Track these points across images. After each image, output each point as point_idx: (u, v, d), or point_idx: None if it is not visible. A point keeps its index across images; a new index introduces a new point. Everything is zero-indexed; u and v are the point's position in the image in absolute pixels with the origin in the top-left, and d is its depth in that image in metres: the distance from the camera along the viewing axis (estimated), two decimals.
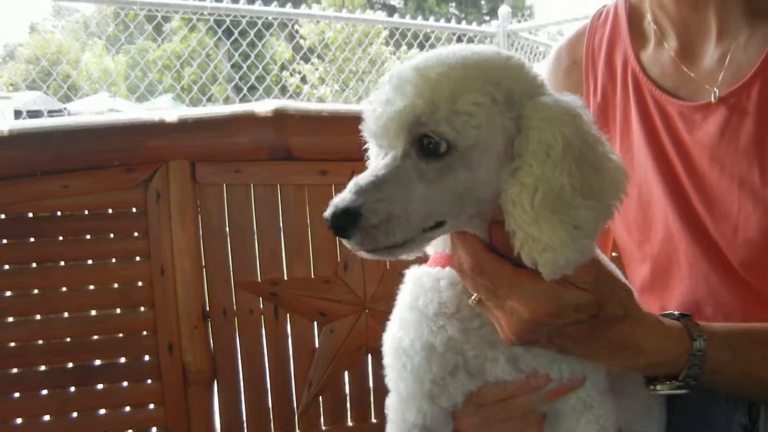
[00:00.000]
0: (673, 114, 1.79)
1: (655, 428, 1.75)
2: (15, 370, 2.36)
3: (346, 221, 1.21)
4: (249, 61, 7.42)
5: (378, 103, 1.28)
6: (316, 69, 11.78)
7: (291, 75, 11.11)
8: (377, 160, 1.30)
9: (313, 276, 2.50)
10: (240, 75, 7.39)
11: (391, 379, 1.54)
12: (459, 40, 8.28)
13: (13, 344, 2.35)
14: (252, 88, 7.89)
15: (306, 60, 11.27)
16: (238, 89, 7.82)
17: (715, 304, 1.75)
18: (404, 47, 10.51)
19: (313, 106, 2.58)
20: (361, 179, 1.25)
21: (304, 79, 11.21)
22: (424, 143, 1.24)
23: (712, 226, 1.73)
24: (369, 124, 1.31)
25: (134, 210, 2.41)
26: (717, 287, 1.75)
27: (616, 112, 1.91)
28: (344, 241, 1.25)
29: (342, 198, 1.23)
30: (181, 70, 7.95)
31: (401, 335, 1.49)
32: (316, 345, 2.54)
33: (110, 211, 2.40)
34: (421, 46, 8.51)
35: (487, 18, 34.40)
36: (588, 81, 2.00)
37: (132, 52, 10.04)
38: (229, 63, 7.83)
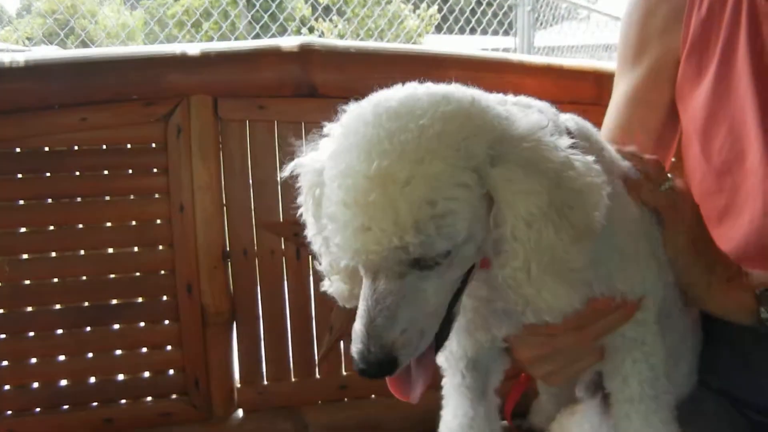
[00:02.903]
0: None
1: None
2: (30, 309, 2.31)
3: (387, 370, 1.14)
4: (269, 13, 7.32)
5: (351, 233, 1.11)
6: (335, 26, 11.69)
7: (310, 31, 11.03)
8: (368, 280, 1.17)
9: None
10: (260, 26, 7.31)
11: None
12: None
13: (27, 282, 2.30)
14: None
15: (326, 15, 11.19)
16: None
17: None
18: (424, 4, 10.41)
19: (340, 42, 2.51)
20: (374, 317, 1.14)
21: (322, 36, 11.13)
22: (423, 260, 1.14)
23: None
24: (347, 254, 1.14)
25: (154, 145, 2.34)
26: None
27: (721, 33, 1.77)
28: None
29: (367, 348, 1.13)
30: (201, 22, 7.88)
31: None
32: None
33: (129, 146, 2.33)
34: (444, 1, 8.36)
35: None
36: None
37: (149, 5, 9.97)
38: (249, 15, 7.74)
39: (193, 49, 2.35)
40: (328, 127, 1.28)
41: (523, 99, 1.36)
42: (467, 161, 1.12)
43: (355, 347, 1.14)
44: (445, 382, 1.59)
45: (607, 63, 2.63)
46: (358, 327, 1.15)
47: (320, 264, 1.41)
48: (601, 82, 2.49)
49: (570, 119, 1.42)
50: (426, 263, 1.13)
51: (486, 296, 1.37)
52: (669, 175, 1.48)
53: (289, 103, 2.40)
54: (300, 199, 1.36)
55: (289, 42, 2.39)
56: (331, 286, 1.42)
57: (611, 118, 1.95)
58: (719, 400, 1.78)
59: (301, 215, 1.39)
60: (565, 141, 1.24)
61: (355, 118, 1.17)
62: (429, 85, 1.22)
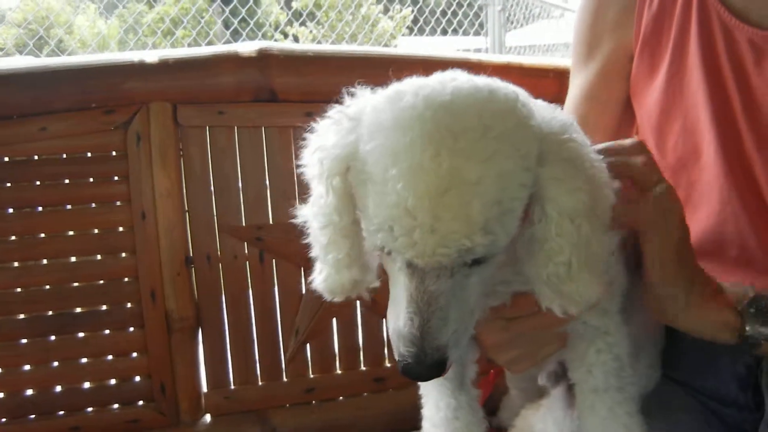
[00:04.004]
0: (740, 41, 1.64)
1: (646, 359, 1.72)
2: None
3: (440, 371, 1.13)
4: (240, 19, 7.30)
5: (418, 233, 1.07)
6: (310, 31, 11.68)
7: (285, 37, 11.02)
8: (415, 279, 1.12)
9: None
10: (231, 32, 7.30)
11: None
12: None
13: None
14: None
15: (298, 18, 11.18)
16: None
17: (739, 248, 1.68)
18: (397, 6, 10.41)
19: (298, 46, 2.51)
20: (428, 318, 1.11)
21: (296, 40, 11.11)
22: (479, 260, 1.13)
23: (761, 170, 1.63)
24: (408, 254, 1.10)
25: (114, 153, 2.33)
26: (746, 231, 1.67)
27: (672, 29, 1.76)
28: None
29: (423, 351, 1.10)
30: (174, 30, 7.86)
31: None
32: (303, 291, 2.49)
33: (89, 154, 2.33)
34: (415, 2, 8.37)
35: None
36: None
37: (122, 13, 9.93)
38: (226, 28, 7.73)
39: (152, 56, 2.35)
40: (341, 113, 1.24)
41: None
42: (525, 161, 1.11)
43: (408, 350, 1.10)
44: None
45: (568, 60, 2.65)
46: (407, 329, 1.11)
47: (321, 256, 1.34)
48: (562, 79, 2.49)
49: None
50: (477, 261, 1.12)
51: None
52: (661, 177, 1.41)
53: (249, 108, 2.40)
54: (312, 180, 1.31)
55: (247, 47, 2.39)
56: (327, 279, 1.34)
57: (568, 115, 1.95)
58: (684, 392, 1.79)
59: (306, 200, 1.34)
60: (586, 138, 1.26)
61: (405, 111, 1.11)
62: (469, 77, 1.19)
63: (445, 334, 1.11)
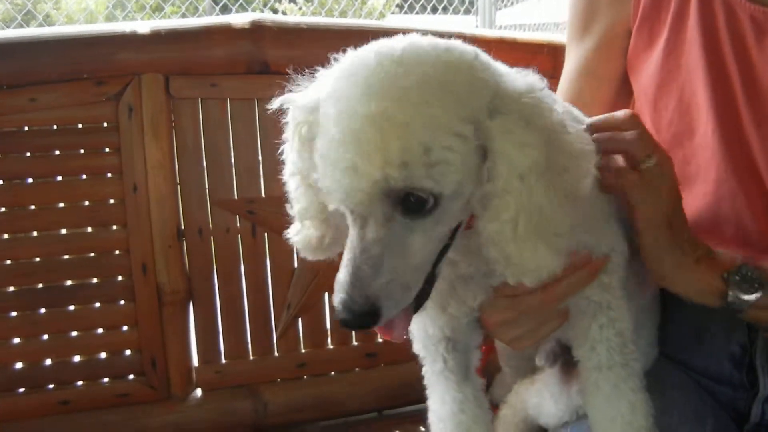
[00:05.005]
0: (743, 18, 1.61)
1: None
2: None
3: (369, 321, 1.12)
4: (237, 4, 7.26)
5: (340, 172, 1.10)
6: (300, 8, 11.63)
7: (274, 13, 10.96)
8: (356, 228, 1.15)
9: None
10: (221, 6, 7.25)
11: None
12: None
13: None
14: None
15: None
16: None
17: (736, 227, 1.67)
18: None
19: (291, 18, 2.50)
20: (359, 266, 1.11)
21: (285, 13, 11.05)
22: (411, 201, 1.11)
23: (759, 149, 1.62)
24: (336, 195, 1.13)
25: (105, 125, 2.31)
26: (742, 210, 1.66)
27: (671, 3, 1.73)
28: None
29: (350, 297, 1.10)
30: (162, 4, 7.80)
31: None
32: (295, 265, 2.48)
33: (80, 126, 2.30)
34: None
35: None
36: None
37: None
38: (216, 4, 7.67)
39: (144, 27, 2.32)
40: (322, 71, 1.25)
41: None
42: (467, 111, 1.11)
43: (338, 297, 1.11)
44: (425, 370, 1.56)
45: (562, 36, 2.64)
46: (342, 276, 1.12)
47: (291, 209, 1.38)
48: (556, 54, 2.50)
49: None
50: (412, 207, 1.11)
51: (452, 258, 1.33)
52: (654, 148, 1.42)
53: (242, 80, 2.39)
54: (285, 136, 1.33)
55: (240, 19, 2.37)
56: (298, 233, 1.37)
57: (563, 90, 1.93)
58: (678, 370, 1.79)
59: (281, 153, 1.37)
60: (560, 105, 1.25)
61: (357, 62, 1.15)
62: (432, 38, 1.20)
63: (376, 283, 1.10)
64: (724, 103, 1.64)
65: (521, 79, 1.21)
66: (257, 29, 2.36)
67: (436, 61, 1.14)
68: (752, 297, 1.46)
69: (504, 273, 1.22)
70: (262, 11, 9.05)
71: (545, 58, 2.54)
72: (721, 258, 1.53)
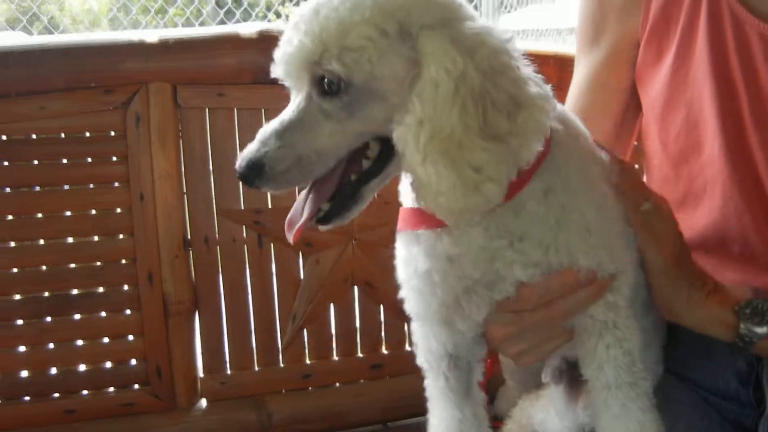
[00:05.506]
0: (751, 35, 1.60)
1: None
2: None
3: (252, 173, 1.21)
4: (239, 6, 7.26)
5: (283, 43, 1.25)
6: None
7: (277, 16, 10.94)
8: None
9: None
10: (225, 11, 7.25)
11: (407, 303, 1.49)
12: None
13: None
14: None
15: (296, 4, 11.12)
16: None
17: (742, 245, 1.67)
18: None
19: None
20: (267, 127, 1.24)
21: (288, 17, 11.03)
22: (324, 83, 1.21)
23: (765, 168, 1.61)
24: (277, 65, 1.27)
25: (113, 133, 2.32)
26: (748, 228, 1.66)
27: (681, 17, 1.72)
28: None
29: (248, 150, 1.22)
30: (165, 7, 7.81)
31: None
32: (301, 276, 2.48)
33: (88, 134, 2.31)
34: None
35: None
36: None
37: None
38: (219, 7, 7.67)
39: (152, 36, 2.33)
40: None
41: None
42: (400, 15, 1.20)
43: (244, 151, 1.23)
44: (427, 383, 1.56)
45: (569, 47, 2.63)
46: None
47: None
48: (563, 65, 2.49)
49: None
50: (328, 85, 1.20)
51: (452, 255, 1.35)
52: (648, 193, 1.46)
53: (249, 90, 2.38)
54: None
55: (248, 29, 2.37)
56: None
57: (572, 101, 1.93)
58: (684, 386, 1.78)
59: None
60: (528, 69, 1.26)
61: None
62: None
63: (271, 143, 1.21)
64: (732, 122, 1.64)
65: (488, 24, 1.26)
66: (265, 39, 2.34)
67: None
68: (765, 330, 1.47)
69: (422, 203, 1.25)
70: (266, 15, 9.06)
71: (551, 69, 2.53)
72: (730, 291, 1.54)
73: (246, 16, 7.76)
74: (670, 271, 1.46)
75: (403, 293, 1.47)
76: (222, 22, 7.26)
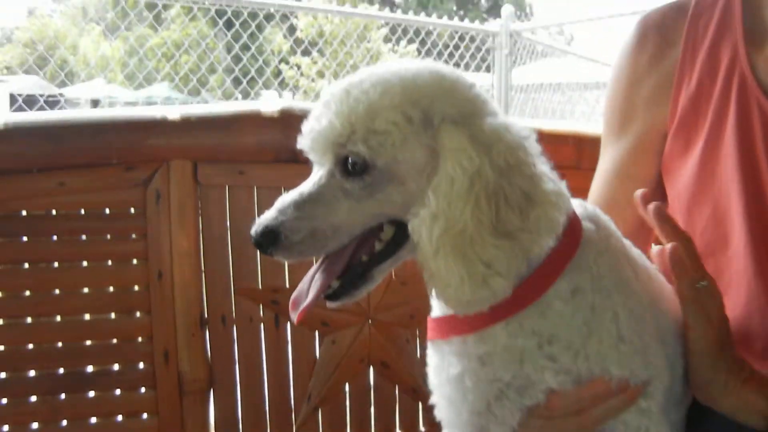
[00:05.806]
0: None
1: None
2: (3, 375, 2.26)
3: (267, 240, 1.26)
4: (249, 54, 7.30)
5: (312, 119, 1.31)
6: (315, 63, 11.68)
7: (290, 68, 11.02)
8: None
9: None
10: (239, 66, 7.31)
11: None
12: (461, 39, 8.22)
13: (2, 348, 2.26)
14: (251, 80, 7.85)
15: (305, 53, 11.22)
16: (236, 81, 7.79)
17: (765, 341, 1.66)
18: (404, 43, 10.44)
19: None
20: (286, 197, 1.29)
21: (302, 73, 11.11)
22: (348, 162, 1.26)
23: None
24: (303, 140, 1.33)
25: (132, 210, 2.32)
26: None
27: (709, 111, 1.73)
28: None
29: (266, 216, 1.28)
30: (179, 59, 7.88)
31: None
32: (317, 356, 2.46)
33: (107, 211, 2.32)
34: (423, 43, 8.47)
35: (486, 16, 34.23)
36: (684, 66, 1.80)
37: (130, 39, 9.96)
38: (229, 54, 7.74)
39: (174, 113, 2.34)
40: None
41: None
42: (415, 109, 1.26)
43: (261, 217, 1.29)
44: None
45: (586, 126, 2.63)
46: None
47: None
48: (581, 145, 2.49)
49: (579, 203, 1.45)
50: (351, 165, 1.25)
51: (481, 355, 1.35)
52: (704, 270, 1.46)
53: (270, 168, 2.39)
54: None
55: (269, 106, 2.38)
56: None
57: (598, 191, 1.93)
58: None
59: None
60: (545, 166, 1.30)
61: None
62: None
63: (289, 212, 1.26)
64: (759, 219, 1.64)
65: (506, 119, 1.30)
66: (286, 117, 2.36)
67: (416, 67, 1.32)
68: None
69: (433, 293, 1.29)
70: (275, 63, 9.13)
71: (570, 149, 2.54)
72: (764, 379, 1.52)
73: (253, 63, 7.82)
74: (713, 352, 1.45)
75: (433, 399, 1.48)
76: (230, 67, 7.34)
